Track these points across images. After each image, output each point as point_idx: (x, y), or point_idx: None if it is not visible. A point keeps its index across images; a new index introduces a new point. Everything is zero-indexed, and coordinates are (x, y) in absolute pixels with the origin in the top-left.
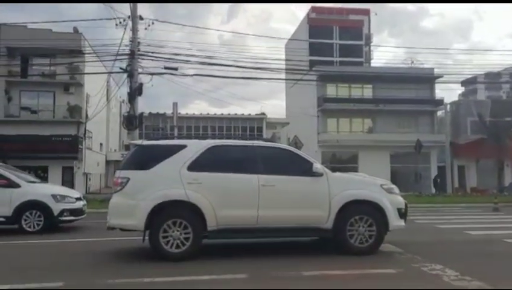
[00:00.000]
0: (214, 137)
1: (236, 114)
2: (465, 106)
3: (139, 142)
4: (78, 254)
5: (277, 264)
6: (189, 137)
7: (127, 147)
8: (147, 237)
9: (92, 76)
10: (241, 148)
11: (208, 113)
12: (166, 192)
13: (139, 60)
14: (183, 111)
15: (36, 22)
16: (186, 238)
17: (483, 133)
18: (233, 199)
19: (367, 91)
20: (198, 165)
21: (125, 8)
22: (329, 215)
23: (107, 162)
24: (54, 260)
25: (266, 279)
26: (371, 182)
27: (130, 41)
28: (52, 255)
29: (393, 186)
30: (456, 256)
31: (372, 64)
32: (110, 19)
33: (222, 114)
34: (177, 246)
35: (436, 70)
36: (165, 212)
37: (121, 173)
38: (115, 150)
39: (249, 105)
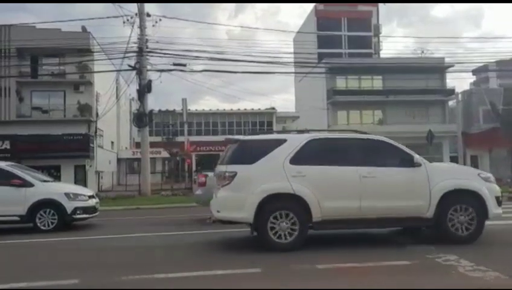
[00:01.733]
0: (224, 132)
1: (245, 109)
2: (477, 94)
3: (240, 137)
4: (100, 251)
5: (291, 258)
6: (286, 131)
7: (137, 145)
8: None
9: (101, 74)
10: (339, 141)
11: (218, 109)
12: (273, 185)
13: (148, 57)
14: (193, 107)
15: (45, 22)
16: (293, 229)
17: (496, 122)
18: (336, 191)
19: (377, 82)
20: (299, 158)
21: (132, 6)
22: (429, 205)
23: (119, 160)
24: (74, 258)
25: (280, 273)
26: (468, 171)
27: (138, 38)
28: (78, 252)
29: (490, 175)
30: (471, 246)
31: (381, 56)
32: (118, 16)
33: (232, 109)
34: (285, 237)
35: (446, 60)
36: (272, 205)
37: (227, 168)
38: (126, 148)
39: (260, 100)
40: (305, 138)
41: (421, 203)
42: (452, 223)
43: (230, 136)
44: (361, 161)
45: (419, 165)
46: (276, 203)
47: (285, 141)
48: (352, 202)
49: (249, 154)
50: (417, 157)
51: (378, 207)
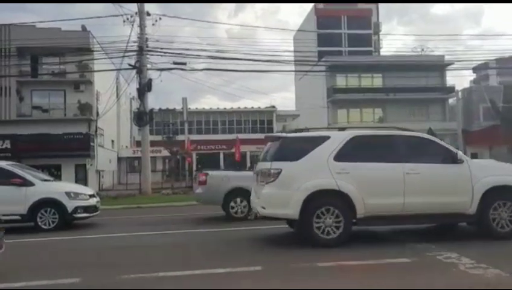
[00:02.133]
0: (224, 131)
1: (246, 108)
2: (477, 92)
3: (283, 134)
4: (100, 250)
5: (291, 256)
6: (328, 128)
7: (138, 144)
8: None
9: (101, 73)
10: (382, 138)
11: (218, 108)
12: (318, 182)
13: (148, 56)
14: (194, 106)
15: (44, 21)
16: (337, 226)
17: (496, 120)
18: (380, 187)
19: (377, 80)
20: (343, 155)
21: (132, 5)
22: (472, 201)
23: (119, 159)
24: (76, 257)
25: (281, 271)
26: (509, 168)
27: (138, 37)
28: (83, 252)
29: None
30: (472, 244)
31: (381, 54)
32: (117, 15)
33: (232, 108)
34: (329, 233)
35: (446, 58)
36: (318, 201)
37: (272, 165)
38: (126, 147)
39: (260, 98)
40: (348, 134)
41: (463, 199)
42: (494, 219)
43: (271, 134)
44: (404, 157)
45: (461, 161)
46: (321, 200)
47: (328, 138)
48: (396, 198)
49: (293, 151)
50: (460, 153)
51: (421, 203)
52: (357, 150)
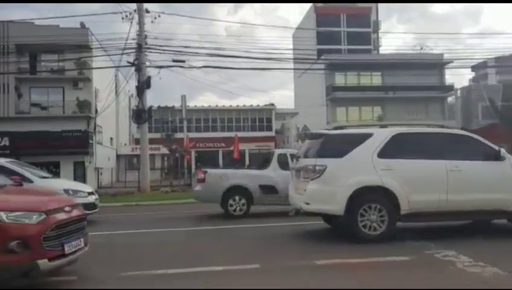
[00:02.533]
0: (223, 129)
1: (244, 105)
2: (476, 91)
3: (326, 131)
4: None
5: (289, 254)
6: (370, 126)
7: (137, 141)
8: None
9: (100, 71)
10: (424, 135)
11: (217, 105)
12: (363, 178)
13: (147, 53)
14: (192, 104)
15: (43, 18)
16: (382, 222)
17: (495, 118)
18: (423, 184)
19: (376, 79)
20: (386, 152)
21: (131, 3)
22: None
23: (118, 157)
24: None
25: (279, 268)
26: None
27: (137, 34)
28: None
29: None
30: (469, 242)
31: (380, 52)
32: (116, 13)
33: (231, 106)
34: (373, 229)
35: (446, 56)
36: (362, 198)
37: (317, 161)
38: (125, 145)
39: (259, 96)
40: (391, 132)
41: (506, 196)
42: None
43: (312, 131)
44: (447, 154)
45: (504, 158)
46: (366, 196)
47: (371, 135)
48: (439, 195)
49: (337, 148)
50: (503, 151)
51: (463, 200)
52: (400, 147)
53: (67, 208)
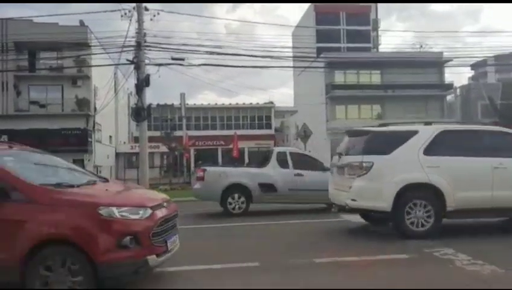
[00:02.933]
0: (222, 127)
1: (244, 103)
2: (475, 89)
3: (371, 129)
4: None
5: (288, 252)
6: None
7: (136, 139)
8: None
9: (99, 69)
10: (469, 133)
11: (216, 104)
12: (410, 175)
13: (146, 51)
14: (191, 102)
15: (42, 16)
16: (428, 218)
17: (495, 117)
18: (469, 181)
19: (375, 77)
20: (432, 149)
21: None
22: None
23: (117, 155)
24: None
25: (278, 267)
26: None
27: (136, 32)
28: None
29: None
30: (468, 240)
31: (380, 50)
32: (115, 10)
33: (230, 104)
34: (420, 225)
35: (445, 54)
36: (409, 194)
37: (364, 158)
38: (124, 143)
39: (258, 94)
40: (436, 129)
41: None
42: None
43: (356, 128)
44: (492, 152)
45: None
46: (412, 193)
47: (416, 132)
48: (485, 192)
49: (383, 145)
50: None
51: (508, 197)
52: (445, 145)
53: (165, 204)
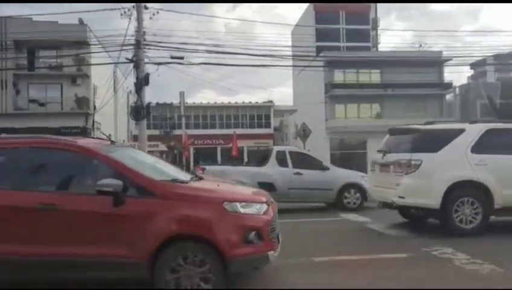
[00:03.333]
0: (221, 126)
1: (243, 102)
2: (474, 88)
3: (419, 127)
4: None
5: (288, 251)
6: (461, 121)
7: (135, 138)
8: None
9: (98, 67)
10: None
11: (215, 102)
12: (459, 173)
13: (145, 50)
14: (191, 100)
15: (41, 14)
16: (475, 216)
17: (494, 116)
18: None
19: (375, 76)
20: (479, 147)
21: None
22: None
23: None
24: None
25: (277, 266)
26: None
27: (136, 31)
28: None
29: None
30: (467, 239)
31: (379, 49)
32: (115, 9)
33: (229, 103)
34: (468, 223)
35: (444, 53)
36: (458, 192)
37: (412, 156)
38: (124, 141)
39: (257, 93)
40: (483, 127)
41: None
42: None
43: (413, 126)
44: None
45: None
46: (461, 191)
47: (463, 130)
48: None
49: (430, 143)
50: None
51: None
52: (492, 143)
53: (271, 199)
